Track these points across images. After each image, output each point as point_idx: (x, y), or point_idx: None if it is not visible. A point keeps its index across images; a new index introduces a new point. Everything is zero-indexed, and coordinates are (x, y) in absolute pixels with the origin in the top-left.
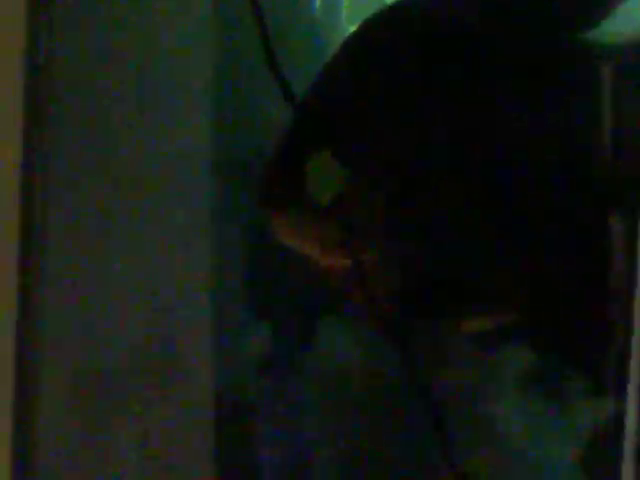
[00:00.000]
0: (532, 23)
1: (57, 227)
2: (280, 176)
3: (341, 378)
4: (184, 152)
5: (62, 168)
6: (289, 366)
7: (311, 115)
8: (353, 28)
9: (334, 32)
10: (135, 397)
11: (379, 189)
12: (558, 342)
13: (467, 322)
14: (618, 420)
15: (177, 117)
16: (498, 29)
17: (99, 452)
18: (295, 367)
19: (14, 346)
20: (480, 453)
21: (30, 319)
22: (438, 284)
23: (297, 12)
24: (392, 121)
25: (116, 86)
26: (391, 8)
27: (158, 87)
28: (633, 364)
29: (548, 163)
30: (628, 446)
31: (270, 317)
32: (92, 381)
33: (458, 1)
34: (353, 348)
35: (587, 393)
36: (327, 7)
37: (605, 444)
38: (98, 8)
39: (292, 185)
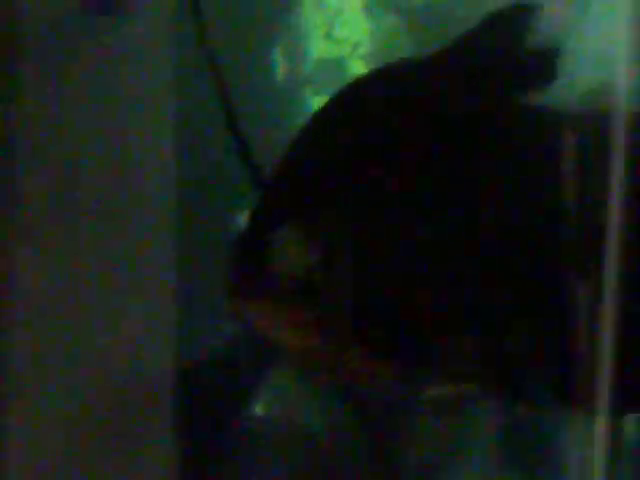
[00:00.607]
0: (482, 89)
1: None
2: (247, 264)
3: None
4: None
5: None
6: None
7: (277, 195)
8: (315, 96)
9: (295, 100)
10: None
11: (348, 266)
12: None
13: (431, 388)
14: None
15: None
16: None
17: None
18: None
19: None
20: None
21: None
22: (406, 348)
23: (258, 77)
24: (364, 198)
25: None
26: (354, 85)
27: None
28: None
29: (509, 229)
30: None
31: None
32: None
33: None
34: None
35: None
36: (288, 74)
37: None
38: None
39: (260, 272)
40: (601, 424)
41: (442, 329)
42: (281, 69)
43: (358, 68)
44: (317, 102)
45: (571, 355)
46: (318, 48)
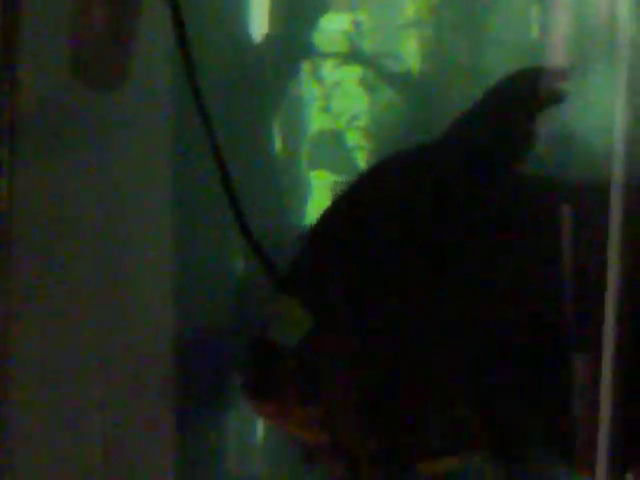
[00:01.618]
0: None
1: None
2: (258, 367)
3: None
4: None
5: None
6: None
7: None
8: (312, 168)
9: (293, 177)
10: None
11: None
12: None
13: (431, 463)
14: None
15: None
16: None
17: None
18: None
19: None
20: None
21: None
22: (406, 429)
23: (257, 154)
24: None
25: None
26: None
27: None
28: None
29: (504, 300)
30: None
31: None
32: None
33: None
34: None
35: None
36: (286, 152)
37: None
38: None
39: (274, 376)
40: None
41: (441, 404)
42: (278, 142)
43: (355, 140)
44: (314, 174)
45: (570, 419)
46: (315, 121)
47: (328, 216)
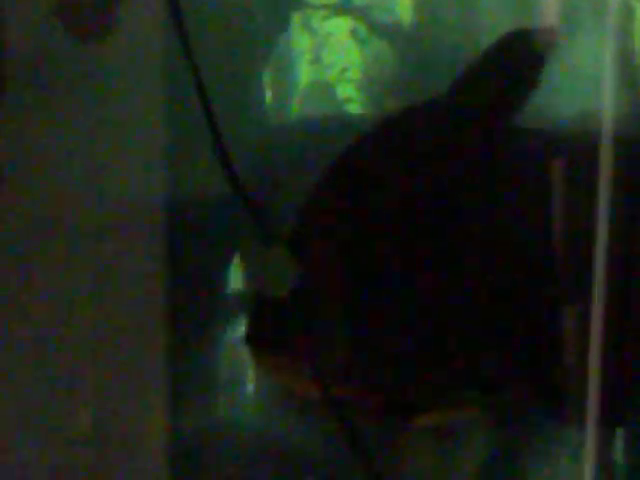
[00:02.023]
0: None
1: None
2: (261, 318)
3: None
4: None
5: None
6: None
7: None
8: (301, 125)
9: (283, 126)
10: None
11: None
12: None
13: (424, 416)
14: None
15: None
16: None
17: None
18: None
19: None
20: None
21: None
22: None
23: (248, 107)
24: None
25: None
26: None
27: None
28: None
29: (500, 248)
30: None
31: None
32: None
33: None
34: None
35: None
36: (276, 102)
37: None
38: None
39: (271, 327)
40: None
41: (439, 355)
42: (269, 94)
43: (346, 92)
44: (305, 126)
45: (560, 369)
46: (306, 73)
47: (336, 166)
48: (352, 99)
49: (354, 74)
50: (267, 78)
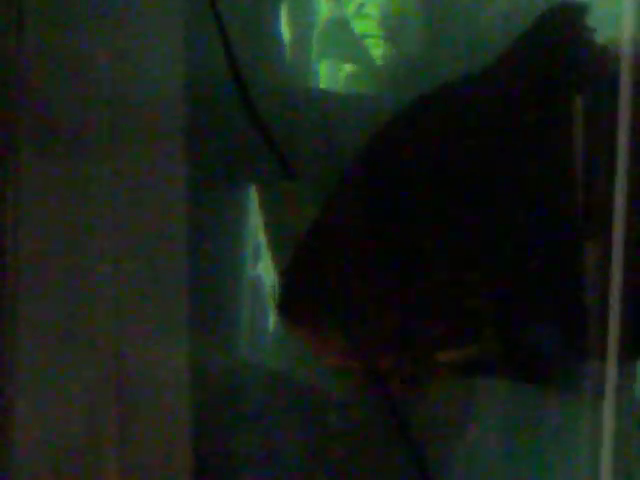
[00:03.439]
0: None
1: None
2: (296, 288)
3: (317, 410)
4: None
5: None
6: None
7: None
8: (321, 57)
9: (303, 68)
10: None
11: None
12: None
13: (443, 354)
14: None
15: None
16: None
17: None
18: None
19: None
20: None
21: None
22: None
23: (267, 46)
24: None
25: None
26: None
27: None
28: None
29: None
30: None
31: None
32: None
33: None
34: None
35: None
36: (296, 43)
37: None
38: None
39: (312, 301)
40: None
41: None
42: (286, 32)
43: (363, 28)
44: (323, 64)
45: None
46: (323, 9)
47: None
48: (370, 34)
49: (371, 9)
50: (285, 16)
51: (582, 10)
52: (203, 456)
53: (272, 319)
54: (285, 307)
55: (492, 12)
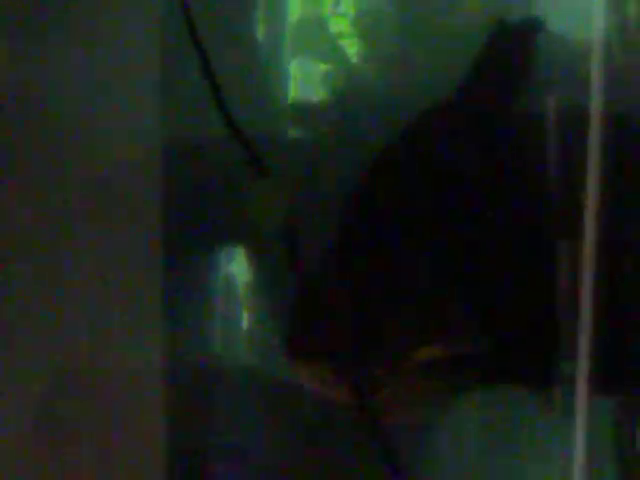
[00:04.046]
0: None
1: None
2: (298, 326)
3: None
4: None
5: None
6: None
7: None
8: (295, 56)
9: (276, 63)
10: None
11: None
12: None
13: (419, 350)
14: None
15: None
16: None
17: None
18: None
19: None
20: None
21: None
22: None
23: (239, 41)
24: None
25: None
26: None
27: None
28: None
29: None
30: None
31: None
32: None
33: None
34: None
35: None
36: (269, 38)
37: None
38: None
39: (315, 344)
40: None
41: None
42: (261, 30)
43: (339, 27)
44: (297, 63)
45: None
46: (297, 7)
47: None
48: (345, 33)
49: (347, 8)
50: (259, 14)
51: (533, 27)
52: (177, 450)
53: (245, 316)
54: (293, 342)
55: (466, 9)
